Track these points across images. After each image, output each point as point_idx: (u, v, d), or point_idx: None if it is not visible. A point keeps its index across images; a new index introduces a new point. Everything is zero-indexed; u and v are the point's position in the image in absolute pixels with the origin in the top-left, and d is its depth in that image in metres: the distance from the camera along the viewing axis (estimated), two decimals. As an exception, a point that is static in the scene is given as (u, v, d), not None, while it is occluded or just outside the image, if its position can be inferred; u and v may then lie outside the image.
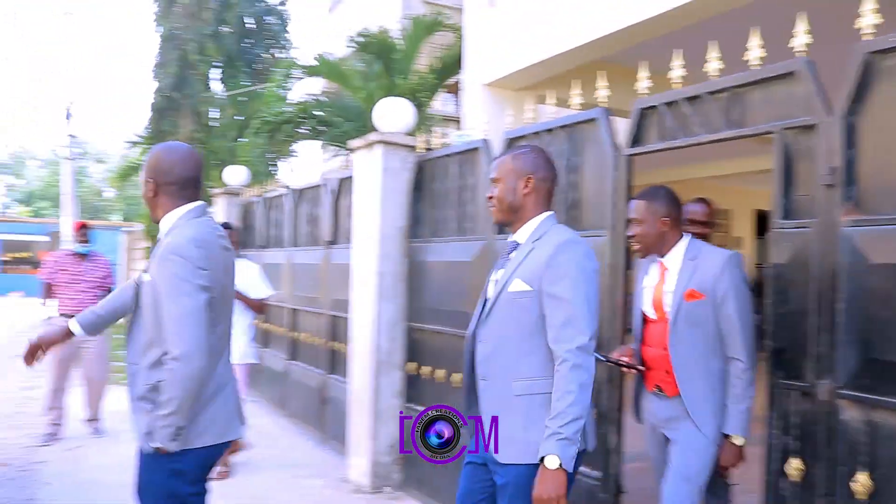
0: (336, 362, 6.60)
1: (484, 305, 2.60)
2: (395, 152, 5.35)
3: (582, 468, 3.75)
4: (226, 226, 6.05)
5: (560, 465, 2.27)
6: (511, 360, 2.48)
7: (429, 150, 5.33)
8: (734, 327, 2.94)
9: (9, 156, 50.83)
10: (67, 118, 22.35)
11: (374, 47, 9.34)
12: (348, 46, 9.79)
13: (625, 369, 3.29)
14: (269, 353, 8.22)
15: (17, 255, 25.47)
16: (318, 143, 10.95)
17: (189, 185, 2.69)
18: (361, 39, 9.35)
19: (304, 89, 10.91)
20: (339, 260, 6.45)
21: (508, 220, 2.62)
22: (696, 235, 3.73)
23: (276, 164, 11.39)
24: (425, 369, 5.06)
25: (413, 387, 5.31)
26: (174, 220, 2.65)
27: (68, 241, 20.22)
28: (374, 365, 5.31)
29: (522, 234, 2.58)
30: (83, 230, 6.86)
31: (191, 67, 16.66)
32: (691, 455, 2.98)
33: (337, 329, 6.58)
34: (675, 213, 3.14)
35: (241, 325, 5.77)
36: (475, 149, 4.70)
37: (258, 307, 5.92)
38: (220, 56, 17.16)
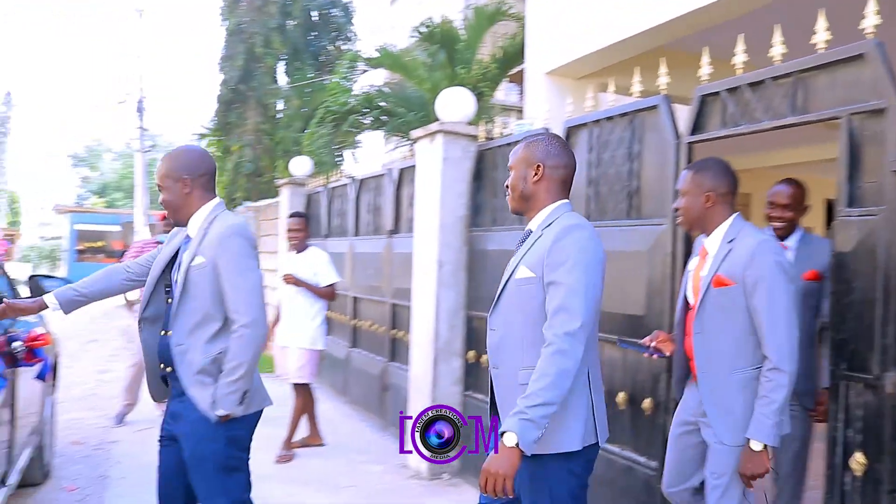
0: (397, 350, 6.67)
1: (496, 294, 2.58)
2: (456, 142, 5.37)
3: (639, 458, 3.74)
4: (296, 214, 6.19)
5: (517, 444, 2.18)
6: (517, 349, 2.45)
7: (490, 139, 5.34)
8: (762, 321, 2.66)
9: (84, 149, 52.48)
10: (139, 112, 22.97)
11: (438, 37, 9.36)
12: (411, 37, 9.83)
13: (645, 354, 3.17)
14: (331, 341, 8.33)
15: (91, 244, 26.26)
16: (380, 134, 11.02)
17: (213, 180, 2.95)
18: (425, 30, 9.38)
19: (367, 80, 11.00)
20: (401, 249, 6.51)
21: (522, 208, 2.59)
22: (779, 220, 3.59)
23: (340, 155, 11.48)
24: (485, 358, 5.08)
25: (472, 375, 5.34)
26: (207, 212, 2.87)
27: (142, 231, 20.82)
28: (433, 353, 5.36)
29: (535, 223, 2.54)
30: (168, 220, 6.73)
31: (257, 60, 16.95)
32: (712, 460, 2.81)
33: (398, 317, 6.65)
34: (723, 188, 2.87)
35: (310, 311, 5.88)
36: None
37: (329, 294, 5.99)
38: (286, 49, 17.42)
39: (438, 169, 5.36)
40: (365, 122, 10.17)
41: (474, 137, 5.41)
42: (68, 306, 2.99)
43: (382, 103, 9.73)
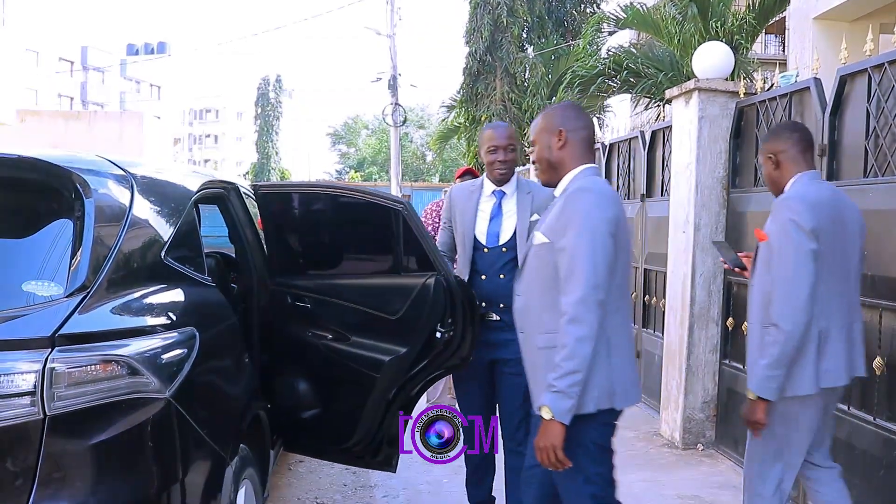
0: (649, 316, 6.53)
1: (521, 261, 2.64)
2: (713, 99, 5.12)
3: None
4: None
5: (552, 416, 2.29)
6: (536, 313, 2.54)
7: (750, 94, 5.03)
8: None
9: (342, 126, 56.18)
10: (393, 89, 24.12)
11: (689, -10, 8.95)
12: (660, -7, 9.48)
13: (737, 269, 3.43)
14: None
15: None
16: (629, 97, 10.77)
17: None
18: (674, -16, 9.01)
19: (614, 42, 10.80)
20: (654, 213, 6.34)
21: (553, 179, 2.62)
22: None
23: (588, 120, 11.43)
24: (746, 325, 4.83)
25: (730, 343, 5.10)
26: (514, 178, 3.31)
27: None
28: (688, 319, 5.18)
29: (559, 189, 2.59)
30: (469, 178, 5.79)
31: (502, 30, 17.15)
32: None
33: (650, 283, 6.50)
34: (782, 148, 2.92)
35: None
36: (804, 89, 4.34)
37: None
38: (531, 17, 17.46)
39: (695, 128, 5.14)
40: (613, 84, 9.98)
41: (733, 94, 5.12)
42: None
43: (631, 65, 9.48)
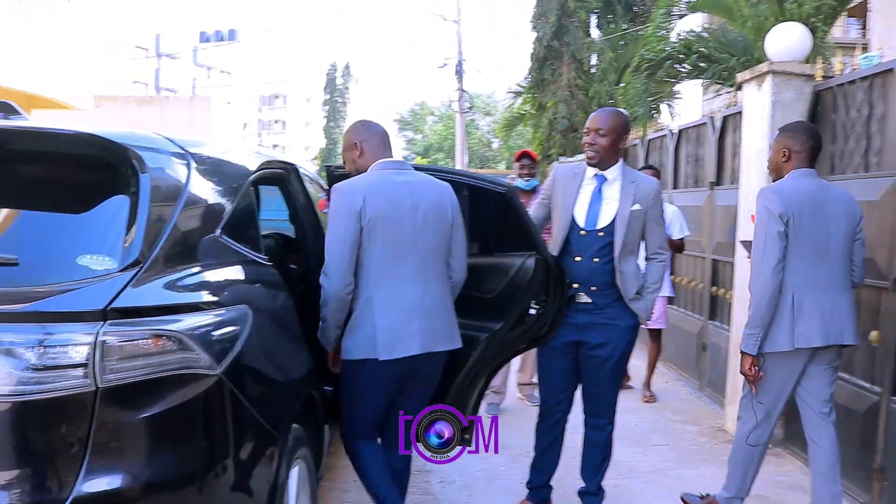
0: (716, 308, 6.34)
1: None
2: (787, 82, 4.90)
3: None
4: (648, 167, 6.24)
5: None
6: None
7: (827, 77, 4.80)
8: None
9: (409, 112, 56.32)
10: (458, 75, 24.07)
11: (764, -29, 8.61)
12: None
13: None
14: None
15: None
16: (698, 82, 10.47)
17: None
18: (749, -35, 8.67)
19: (685, 26, 10.48)
20: (724, 201, 6.14)
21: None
22: None
23: (656, 106, 11.10)
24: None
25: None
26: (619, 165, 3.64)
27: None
28: (758, 311, 5.00)
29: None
30: (526, 162, 5.99)
31: (569, 15, 16.88)
32: None
33: (719, 274, 6.31)
34: (798, 148, 3.54)
35: None
36: (887, 72, 4.12)
37: (679, 247, 6.08)
38: (598, 1, 17.15)
39: (767, 113, 4.93)
40: (682, 70, 9.69)
41: (809, 77, 4.90)
42: None
43: (701, 49, 9.18)
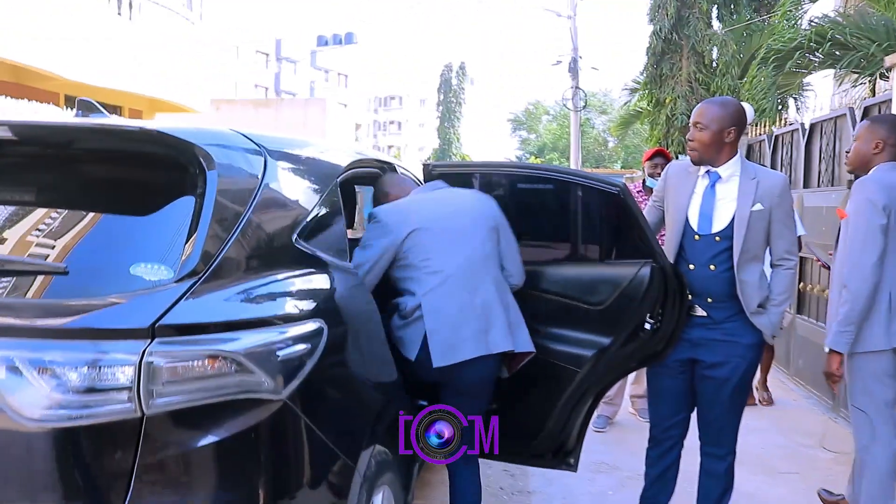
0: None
1: None
2: (944, 66, 4.33)
3: None
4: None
5: None
6: None
7: None
8: None
9: (522, 112, 55.97)
10: (573, 72, 23.53)
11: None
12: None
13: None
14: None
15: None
16: (832, 73, 9.72)
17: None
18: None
19: (816, 12, 9.73)
20: (863, 202, 5.54)
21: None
22: None
23: (783, 100, 10.41)
24: None
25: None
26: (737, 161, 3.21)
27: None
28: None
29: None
30: (659, 161, 5.54)
31: (689, 6, 16.12)
32: None
33: None
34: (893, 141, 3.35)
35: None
36: None
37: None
38: (720, -9, 16.36)
39: (919, 102, 4.37)
40: (814, 59, 9.00)
41: (970, 60, 4.31)
42: None
43: (837, 35, 8.47)
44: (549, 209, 3.56)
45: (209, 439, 1.88)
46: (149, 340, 1.80)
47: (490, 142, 61.65)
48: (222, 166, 2.20)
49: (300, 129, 17.29)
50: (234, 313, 2.03)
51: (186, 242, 2.04)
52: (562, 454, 3.46)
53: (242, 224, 2.17)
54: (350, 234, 3.56)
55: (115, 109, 12.26)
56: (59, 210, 2.32)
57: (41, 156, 2.44)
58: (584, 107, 24.54)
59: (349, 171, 2.99)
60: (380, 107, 73.85)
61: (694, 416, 3.43)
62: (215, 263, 2.03)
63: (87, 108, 2.70)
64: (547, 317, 3.34)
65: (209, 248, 2.04)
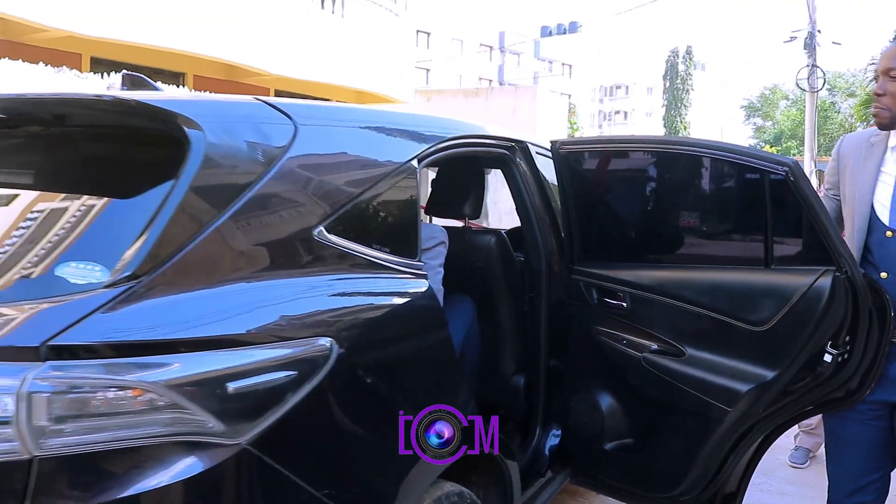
0: None
1: None
2: None
3: None
4: None
5: None
6: None
7: None
8: None
9: (758, 98, 52.14)
10: (809, 48, 21.26)
11: None
12: None
13: None
14: None
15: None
16: None
17: None
18: None
19: None
20: None
21: None
22: None
23: None
24: None
25: None
26: None
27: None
28: None
29: None
30: None
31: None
32: None
33: None
34: None
35: None
36: None
37: None
38: None
39: None
40: None
41: None
42: None
43: None
44: (692, 195, 2.84)
45: (126, 493, 1.41)
46: (37, 363, 1.37)
47: (722, 130, 57.94)
48: (214, 140, 1.72)
49: (508, 117, 16.91)
50: (176, 329, 1.53)
51: (140, 236, 1.58)
52: None
53: (234, 211, 1.69)
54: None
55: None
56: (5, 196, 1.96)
57: None
58: (823, 87, 22.10)
59: (445, 151, 2.44)
60: (605, 96, 72.31)
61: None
62: (172, 262, 1.57)
63: (135, 82, 2.37)
64: (690, 335, 2.62)
65: (166, 243, 1.58)
